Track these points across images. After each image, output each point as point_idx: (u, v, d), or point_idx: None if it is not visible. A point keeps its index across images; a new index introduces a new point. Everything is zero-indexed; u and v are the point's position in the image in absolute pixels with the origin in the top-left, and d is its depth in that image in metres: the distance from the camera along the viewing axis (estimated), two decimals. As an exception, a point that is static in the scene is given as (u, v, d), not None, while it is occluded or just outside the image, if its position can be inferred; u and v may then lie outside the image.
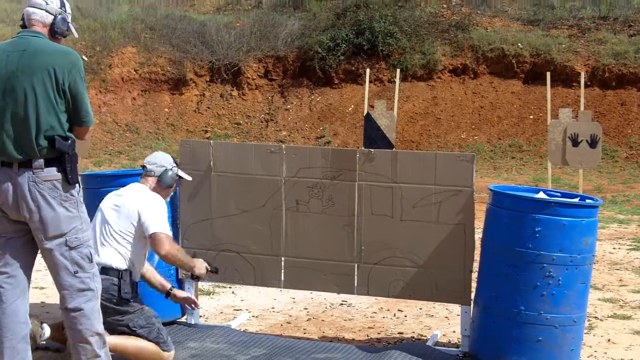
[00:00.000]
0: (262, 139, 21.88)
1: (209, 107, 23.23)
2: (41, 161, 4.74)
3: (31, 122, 4.72)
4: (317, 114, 22.85)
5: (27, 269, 4.92)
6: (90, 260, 4.85)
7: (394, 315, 7.44)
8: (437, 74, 23.12)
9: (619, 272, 9.38)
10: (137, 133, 21.96)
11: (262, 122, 23.00)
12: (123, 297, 5.49)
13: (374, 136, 16.40)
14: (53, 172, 4.76)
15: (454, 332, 6.81)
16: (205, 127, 22.68)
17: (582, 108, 15.38)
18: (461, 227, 6.16)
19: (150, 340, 5.44)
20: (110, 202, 5.79)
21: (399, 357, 6.02)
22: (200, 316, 7.13)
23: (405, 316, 7.41)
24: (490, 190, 6.15)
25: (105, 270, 5.42)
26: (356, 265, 6.30)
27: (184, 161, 6.79)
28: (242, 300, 7.93)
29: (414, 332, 6.92)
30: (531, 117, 21.77)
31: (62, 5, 4.94)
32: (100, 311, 4.87)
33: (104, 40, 23.26)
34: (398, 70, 18.71)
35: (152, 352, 5.38)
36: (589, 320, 7.09)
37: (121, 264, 5.52)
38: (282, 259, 6.59)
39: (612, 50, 22.31)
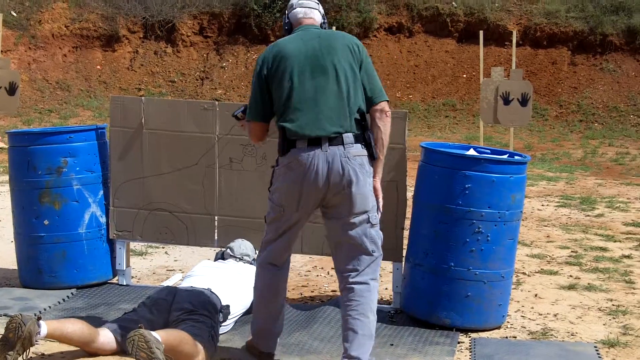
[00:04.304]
0: (198, 97, 21.70)
1: (142, 65, 22.96)
2: (351, 137, 4.90)
3: (345, 96, 4.90)
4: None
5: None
6: (381, 240, 5.07)
7: (328, 274, 7.49)
8: (372, 32, 23.12)
9: (546, 229, 9.53)
10: (69, 91, 21.63)
11: (197, 80, 22.81)
12: (224, 310, 5.59)
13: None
14: (360, 148, 4.93)
15: (386, 289, 6.88)
16: (139, 85, 22.42)
17: (513, 67, 15.51)
18: (393, 184, 6.20)
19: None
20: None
21: (332, 313, 6.08)
22: (133, 277, 7.10)
23: (338, 273, 7.45)
24: (422, 147, 6.20)
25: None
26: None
27: (114, 118, 6.72)
28: (175, 260, 7.91)
29: (346, 289, 6.96)
30: (464, 76, 21.91)
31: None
32: None
33: (34, -5, 22.84)
34: (334, 27, 18.68)
35: (199, 358, 5.24)
36: (517, 276, 7.21)
37: None
38: (216, 218, 6.58)
39: (544, 9, 22.50)
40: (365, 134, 4.98)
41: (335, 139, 4.89)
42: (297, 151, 4.90)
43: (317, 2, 5.31)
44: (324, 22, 5.27)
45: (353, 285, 5.00)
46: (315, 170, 4.87)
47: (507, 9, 22.80)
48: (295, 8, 5.23)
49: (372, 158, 5.00)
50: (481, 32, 15.94)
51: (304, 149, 4.88)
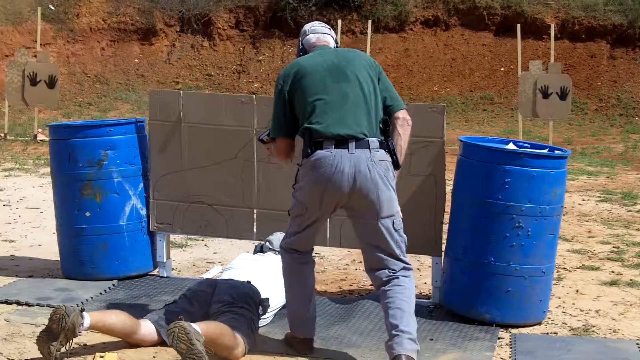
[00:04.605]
0: (234, 91, 21.75)
1: (179, 58, 23.03)
2: (376, 142, 4.99)
3: (369, 103, 5.01)
4: (289, 66, 22.77)
5: None
6: (406, 245, 5.14)
7: (366, 267, 7.47)
8: (408, 26, 23.02)
9: (587, 224, 9.47)
10: (107, 84, 21.76)
11: (233, 73, 22.85)
12: (264, 304, 5.60)
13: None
14: (384, 154, 5.00)
15: (425, 283, 6.87)
16: (176, 78, 22.50)
17: (552, 60, 15.41)
18: (432, 178, 6.19)
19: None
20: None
21: (371, 307, 6.08)
22: (173, 269, 7.14)
23: (377, 267, 7.44)
24: (461, 141, 6.18)
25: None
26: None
27: (153, 112, 6.75)
28: (214, 252, 7.94)
29: (384, 283, 6.95)
30: (502, 69, 21.78)
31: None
32: None
33: (72, -12, 22.98)
34: (370, 21, 18.63)
35: (239, 350, 5.25)
36: (557, 271, 7.16)
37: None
38: (255, 211, 6.60)
39: (582, 2, 22.28)
40: (388, 142, 5.07)
41: (362, 142, 4.96)
42: (324, 152, 4.95)
43: (329, 28, 5.47)
44: (337, 46, 5.43)
45: (389, 281, 5.06)
46: (341, 172, 4.93)
47: (544, 2, 22.62)
48: (308, 34, 5.40)
49: (396, 167, 5.10)
50: (519, 26, 15.85)
51: (330, 150, 4.94)
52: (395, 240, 5.06)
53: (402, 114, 5.16)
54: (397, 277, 5.06)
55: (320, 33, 5.38)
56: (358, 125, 4.96)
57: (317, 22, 5.53)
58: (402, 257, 5.09)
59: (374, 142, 4.98)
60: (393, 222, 5.05)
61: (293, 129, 5.16)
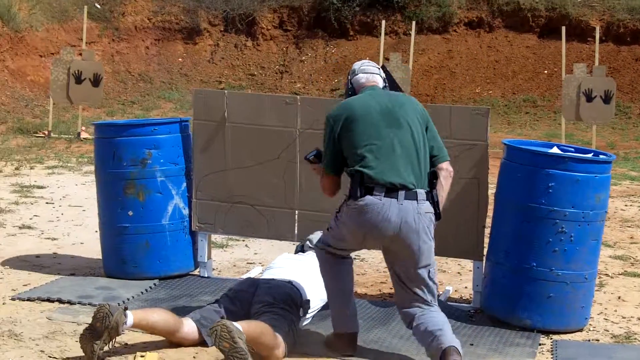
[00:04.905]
0: (277, 91, 21.78)
1: (223, 58, 23.11)
2: (424, 193, 5.05)
3: (419, 152, 5.07)
4: (332, 66, 22.72)
5: None
6: (437, 290, 5.25)
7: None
8: (452, 27, 22.93)
9: (630, 230, 9.37)
10: (151, 83, 21.88)
11: (276, 73, 22.89)
12: (304, 305, 5.63)
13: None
14: (429, 205, 5.07)
15: (466, 287, 6.84)
16: (219, 77, 22.58)
17: (596, 63, 15.27)
18: (475, 181, 6.16)
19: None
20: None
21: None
22: (214, 269, 7.17)
23: (417, 270, 7.42)
24: (505, 144, 6.15)
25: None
26: None
27: (197, 111, 6.78)
28: (255, 253, 7.96)
29: (425, 286, 6.93)
30: (545, 72, 21.63)
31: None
32: None
33: (117, -13, 23.16)
34: (413, 22, 18.57)
35: (279, 350, 5.26)
36: (599, 278, 7.09)
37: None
38: (296, 212, 6.61)
39: (627, 5, 22.07)
40: (433, 193, 5.12)
41: (411, 192, 5.01)
42: (373, 198, 5.00)
43: (379, 67, 5.48)
44: (385, 86, 5.44)
45: (420, 317, 5.14)
46: (388, 221, 4.99)
47: (589, 4, 22.43)
48: (357, 74, 5.43)
49: (437, 218, 5.16)
50: (563, 28, 15.72)
51: (380, 197, 4.99)
52: (429, 288, 5.16)
53: (445, 165, 5.23)
54: (427, 313, 5.14)
55: (369, 73, 5.40)
56: (409, 175, 5.03)
57: (366, 61, 5.55)
58: (433, 303, 5.18)
59: (421, 193, 5.05)
60: (429, 271, 5.14)
61: (341, 168, 5.24)
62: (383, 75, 5.45)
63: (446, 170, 5.21)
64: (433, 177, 5.14)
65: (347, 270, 5.35)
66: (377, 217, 4.98)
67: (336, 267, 5.32)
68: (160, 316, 5.27)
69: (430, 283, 5.14)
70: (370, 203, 4.98)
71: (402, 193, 4.99)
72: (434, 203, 5.12)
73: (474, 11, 23.02)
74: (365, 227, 5.03)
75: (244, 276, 6.96)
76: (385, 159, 5.02)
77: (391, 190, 4.99)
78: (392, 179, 4.98)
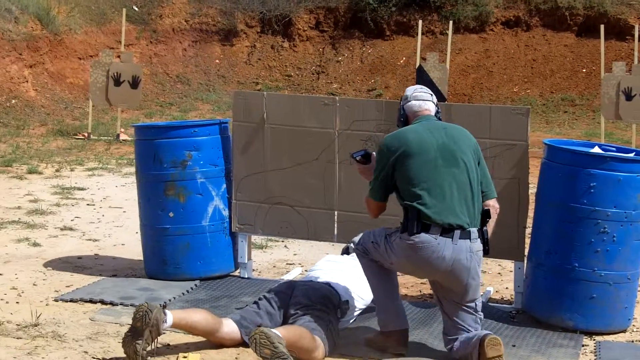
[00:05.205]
0: (313, 91, 21.81)
1: (259, 59, 23.18)
2: (476, 232, 5.12)
3: (473, 190, 5.13)
4: (369, 66, 22.71)
5: None
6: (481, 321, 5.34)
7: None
8: (489, 26, 22.84)
9: (673, 229, 9.26)
10: (188, 84, 21.98)
11: (313, 74, 22.92)
12: (342, 307, 5.65)
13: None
14: (480, 244, 5.15)
15: (506, 288, 6.80)
16: (256, 78, 22.64)
17: (635, 61, 15.13)
18: (515, 181, 6.13)
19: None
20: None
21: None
22: (254, 270, 7.18)
23: (457, 271, 7.39)
24: (545, 144, 6.11)
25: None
26: None
27: (236, 113, 6.80)
28: (294, 254, 7.97)
29: (465, 287, 6.91)
30: (584, 70, 21.47)
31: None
32: None
33: (155, -10, 23.29)
34: (450, 22, 18.52)
35: (319, 352, 5.27)
36: (642, 278, 7.03)
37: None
38: (336, 212, 6.61)
39: (667, 3, 21.90)
40: (483, 230, 5.18)
41: (465, 232, 5.06)
42: (429, 237, 5.04)
43: (431, 93, 5.47)
44: (438, 112, 5.44)
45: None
46: (442, 258, 5.04)
47: (627, 2, 22.24)
48: (410, 100, 5.42)
49: (485, 254, 5.22)
50: (602, 26, 15.60)
51: (435, 237, 5.03)
52: (475, 320, 5.23)
53: (493, 202, 5.28)
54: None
55: (422, 100, 5.40)
56: (464, 215, 5.07)
57: (418, 87, 5.55)
58: (476, 330, 5.23)
59: (474, 232, 5.11)
60: (475, 304, 5.21)
61: (387, 196, 5.30)
62: (435, 100, 5.45)
63: (493, 207, 5.27)
64: (486, 216, 5.19)
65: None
66: (431, 255, 5.03)
67: (380, 268, 5.33)
68: (200, 316, 5.29)
69: (477, 315, 5.24)
70: (426, 242, 5.03)
71: (457, 232, 5.04)
72: (484, 240, 5.17)
73: (511, 10, 22.91)
74: (417, 263, 5.10)
75: (284, 277, 6.98)
76: (442, 198, 5.05)
77: (447, 230, 5.03)
78: (449, 220, 5.03)
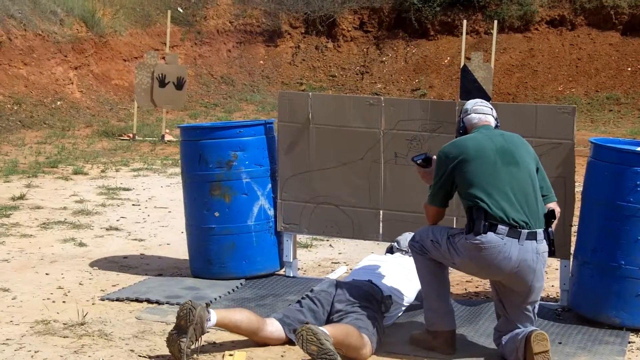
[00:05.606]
0: (357, 92, 21.83)
1: (303, 60, 23.25)
2: (542, 233, 5.13)
3: (535, 191, 5.16)
4: (413, 66, 22.69)
5: None
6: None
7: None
8: (534, 26, 22.73)
9: None
10: (233, 85, 22.11)
11: (357, 74, 22.94)
12: (386, 301, 5.65)
13: (470, 88, 16.19)
14: (546, 245, 5.17)
15: (552, 286, 6.78)
16: (300, 79, 22.72)
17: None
18: (561, 180, 6.10)
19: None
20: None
21: (497, 310, 6.03)
22: (299, 269, 7.21)
23: (503, 270, 7.37)
24: (591, 143, 6.08)
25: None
26: (455, 218, 6.26)
27: (281, 113, 6.83)
28: (339, 253, 8.00)
29: (511, 286, 6.89)
30: (629, 69, 21.30)
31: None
32: None
33: (199, -9, 23.45)
34: (495, 21, 18.44)
35: (366, 350, 5.28)
36: (690, 276, 6.97)
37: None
38: (381, 212, 6.62)
39: None
40: (549, 231, 5.17)
41: (531, 233, 5.05)
42: (496, 237, 5.02)
43: (492, 107, 5.46)
44: (497, 125, 5.43)
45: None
46: (508, 259, 5.03)
47: (673, 0, 22.04)
48: (470, 114, 5.43)
49: (550, 255, 5.22)
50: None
51: (502, 237, 5.02)
52: (530, 320, 5.24)
53: (554, 205, 5.28)
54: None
55: (482, 114, 5.40)
56: (530, 214, 5.07)
57: (479, 101, 5.54)
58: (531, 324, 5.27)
59: (540, 233, 5.10)
60: (534, 307, 5.23)
61: (447, 202, 5.33)
62: (495, 114, 5.44)
63: (555, 210, 5.27)
64: (551, 217, 5.19)
65: (444, 266, 5.38)
66: (497, 255, 5.02)
67: (435, 267, 5.34)
68: (243, 315, 5.32)
69: (532, 316, 5.24)
70: (493, 243, 5.01)
71: (524, 233, 5.03)
72: (550, 241, 5.17)
73: (556, 9, 22.78)
74: (483, 264, 5.08)
75: (329, 276, 7.01)
76: (504, 197, 5.05)
77: (513, 229, 5.02)
78: (515, 217, 5.02)
